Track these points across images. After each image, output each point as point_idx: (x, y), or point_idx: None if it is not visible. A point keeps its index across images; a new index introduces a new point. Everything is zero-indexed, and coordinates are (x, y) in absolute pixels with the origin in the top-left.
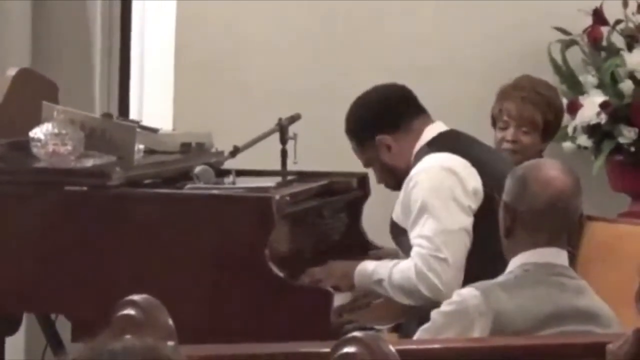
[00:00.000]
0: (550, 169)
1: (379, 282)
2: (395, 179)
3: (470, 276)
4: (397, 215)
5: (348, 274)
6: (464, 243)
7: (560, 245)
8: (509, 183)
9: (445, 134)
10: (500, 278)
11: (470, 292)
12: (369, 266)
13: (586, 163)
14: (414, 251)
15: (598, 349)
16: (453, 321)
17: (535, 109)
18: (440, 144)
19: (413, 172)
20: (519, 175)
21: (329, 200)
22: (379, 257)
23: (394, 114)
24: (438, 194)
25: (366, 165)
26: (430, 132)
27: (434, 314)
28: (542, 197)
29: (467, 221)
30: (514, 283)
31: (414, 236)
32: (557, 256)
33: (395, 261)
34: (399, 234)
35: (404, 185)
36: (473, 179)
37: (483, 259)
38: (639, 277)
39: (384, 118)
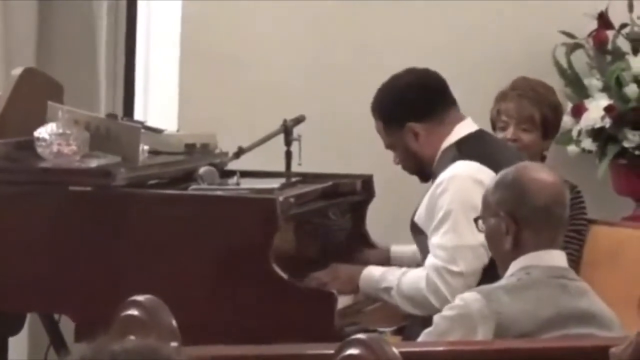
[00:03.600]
0: (537, 169)
1: (387, 290)
2: (416, 166)
3: None
4: (419, 217)
5: (353, 278)
6: (481, 259)
7: (559, 246)
8: (500, 194)
9: (474, 137)
10: (502, 281)
11: (472, 296)
12: (375, 272)
13: (590, 167)
14: (428, 261)
15: (601, 352)
16: (456, 325)
17: (533, 106)
18: (469, 148)
19: (443, 176)
20: (509, 182)
21: (334, 202)
22: (366, 261)
23: (429, 103)
24: (464, 206)
25: (388, 147)
26: (460, 130)
27: (436, 317)
28: (542, 196)
29: None
30: (516, 286)
31: (432, 244)
32: (557, 258)
33: (403, 269)
34: (419, 234)
35: (432, 189)
36: None
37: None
38: None
39: (419, 106)
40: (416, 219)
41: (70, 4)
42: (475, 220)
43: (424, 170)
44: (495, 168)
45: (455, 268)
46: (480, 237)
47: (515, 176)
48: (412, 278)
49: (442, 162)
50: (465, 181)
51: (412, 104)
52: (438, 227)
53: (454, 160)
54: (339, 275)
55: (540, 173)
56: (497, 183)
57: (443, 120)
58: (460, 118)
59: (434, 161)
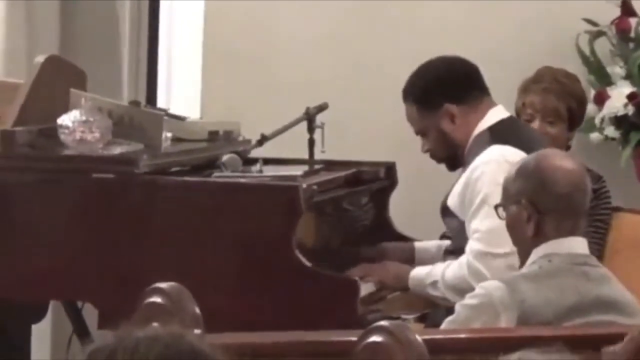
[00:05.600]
0: (558, 157)
1: (434, 284)
2: (447, 151)
3: None
4: (452, 201)
5: (402, 277)
6: None
7: (580, 233)
8: (521, 181)
9: (506, 122)
10: (524, 269)
11: (494, 284)
12: (421, 271)
13: (614, 154)
14: (469, 247)
15: (623, 339)
16: (478, 314)
17: (558, 99)
18: (502, 133)
19: (478, 161)
20: (531, 169)
21: (356, 190)
22: (382, 253)
23: (466, 86)
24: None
25: (419, 132)
26: (493, 116)
27: (458, 306)
28: (564, 183)
29: None
30: (538, 274)
31: (472, 229)
32: (579, 245)
33: (447, 262)
34: (449, 216)
35: (467, 174)
36: None
37: None
38: None
39: (456, 87)
40: (449, 203)
41: None
42: (496, 207)
43: (455, 155)
44: (529, 152)
45: (497, 250)
46: None
47: (537, 164)
48: (455, 267)
49: (474, 148)
50: (502, 165)
51: (450, 86)
52: (477, 212)
53: (488, 145)
54: (389, 271)
55: (561, 160)
56: (518, 171)
57: (478, 104)
58: (493, 104)
59: (465, 146)
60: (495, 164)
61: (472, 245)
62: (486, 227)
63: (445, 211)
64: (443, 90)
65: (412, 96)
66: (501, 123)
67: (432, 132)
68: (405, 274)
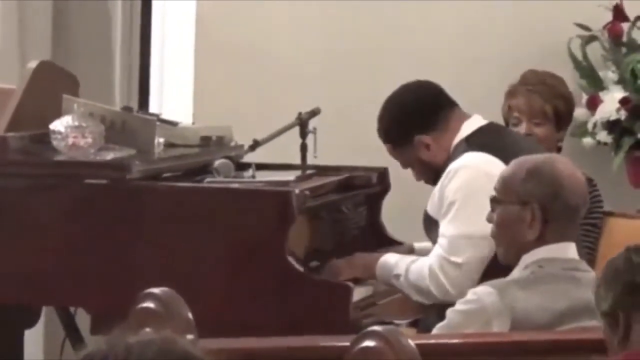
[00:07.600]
0: (570, 166)
1: (397, 276)
2: (434, 174)
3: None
4: (431, 207)
5: (370, 266)
6: (483, 251)
7: (571, 238)
8: (534, 184)
9: (484, 130)
10: (515, 275)
11: (485, 290)
12: (390, 259)
13: (606, 159)
14: (433, 250)
15: None
16: (469, 320)
17: (544, 100)
18: (480, 140)
19: (452, 165)
20: (546, 174)
21: (349, 195)
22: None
23: (430, 114)
24: (471, 196)
25: (405, 166)
26: (469, 126)
27: (449, 312)
28: (576, 195)
29: None
30: (529, 280)
31: (440, 232)
32: (570, 250)
33: (414, 257)
34: (432, 226)
35: (442, 178)
36: None
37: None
38: None
39: (421, 119)
40: (428, 209)
41: None
42: (491, 200)
43: (442, 175)
44: (506, 159)
45: (454, 259)
46: (483, 229)
47: (552, 170)
48: (418, 266)
49: (453, 157)
50: (473, 172)
51: (413, 119)
52: (444, 216)
53: (463, 152)
54: (357, 264)
55: (574, 170)
56: (530, 172)
57: (448, 124)
58: (466, 116)
59: (448, 161)
60: (467, 170)
61: (435, 249)
62: (449, 233)
63: (427, 220)
64: (409, 125)
65: (384, 137)
66: (479, 131)
67: (415, 163)
68: (374, 261)
